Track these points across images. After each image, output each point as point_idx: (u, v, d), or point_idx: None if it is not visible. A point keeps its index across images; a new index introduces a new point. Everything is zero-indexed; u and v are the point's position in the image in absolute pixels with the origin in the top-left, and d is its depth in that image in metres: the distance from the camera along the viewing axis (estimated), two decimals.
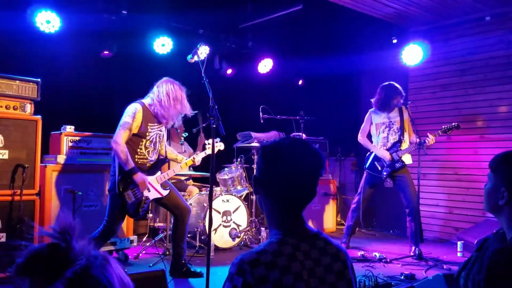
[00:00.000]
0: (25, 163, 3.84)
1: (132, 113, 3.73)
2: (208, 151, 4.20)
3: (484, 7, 5.74)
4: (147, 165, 3.91)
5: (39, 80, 4.05)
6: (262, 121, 5.90)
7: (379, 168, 5.19)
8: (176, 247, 4.06)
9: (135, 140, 3.79)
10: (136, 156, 3.82)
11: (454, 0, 5.60)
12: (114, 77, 5.99)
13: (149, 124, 3.83)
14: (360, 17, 6.11)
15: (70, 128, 4.54)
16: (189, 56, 3.59)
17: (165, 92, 3.81)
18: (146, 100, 3.88)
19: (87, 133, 4.65)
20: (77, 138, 4.56)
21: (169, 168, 4.34)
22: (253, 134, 6.10)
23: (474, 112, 6.11)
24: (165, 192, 3.95)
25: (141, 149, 3.84)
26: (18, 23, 4.85)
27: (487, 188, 1.68)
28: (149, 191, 3.85)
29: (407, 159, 5.20)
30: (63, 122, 4.56)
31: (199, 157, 4.19)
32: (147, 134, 3.83)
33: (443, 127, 5.11)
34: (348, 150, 7.53)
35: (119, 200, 3.72)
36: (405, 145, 5.20)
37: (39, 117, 4.02)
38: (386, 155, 5.13)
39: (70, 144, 4.51)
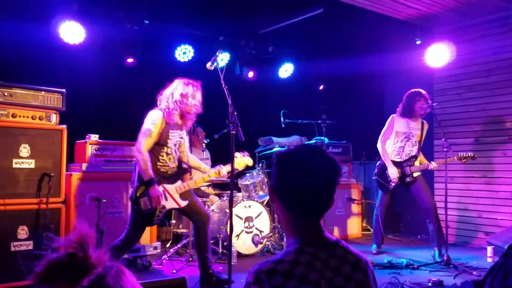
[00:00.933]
0: (51, 172, 3.92)
1: (153, 119, 3.73)
2: (236, 165, 4.00)
3: (509, 5, 5.58)
4: (169, 172, 3.89)
5: (64, 90, 4.14)
6: (283, 126, 5.87)
7: (388, 178, 5.14)
8: (201, 257, 3.93)
9: (157, 147, 3.78)
10: (158, 163, 3.81)
11: None
12: (137, 86, 6.08)
13: (170, 131, 3.82)
14: (381, 19, 6.03)
15: (94, 137, 4.62)
16: (208, 64, 3.60)
17: (176, 91, 3.80)
18: (162, 105, 3.85)
19: (111, 141, 4.73)
20: (101, 146, 4.64)
21: (191, 175, 4.33)
22: (275, 139, 6.09)
23: (502, 113, 5.94)
24: (183, 203, 3.89)
25: (162, 156, 3.82)
26: (43, 35, 4.98)
27: None
28: (166, 200, 3.81)
29: (418, 174, 5.18)
30: (87, 131, 4.65)
31: (224, 170, 4.02)
32: (168, 141, 3.82)
33: (460, 154, 5.07)
34: (373, 153, 7.37)
35: (135, 206, 3.72)
36: (418, 162, 5.19)
37: (64, 126, 4.10)
38: (394, 175, 5.09)
39: (95, 152, 4.59)
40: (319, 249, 1.35)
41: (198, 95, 3.89)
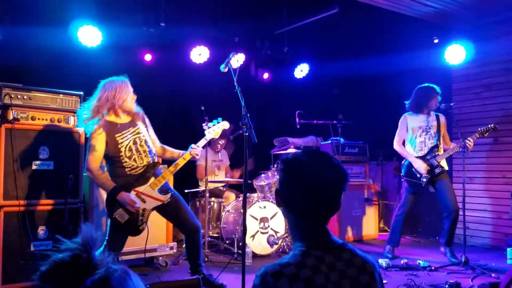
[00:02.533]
0: (70, 173, 4.01)
1: (92, 134, 3.47)
2: (208, 136, 3.82)
3: None
4: (138, 173, 3.57)
5: (81, 93, 4.22)
6: (298, 126, 5.87)
7: (418, 175, 5.04)
8: (192, 264, 3.80)
9: (114, 159, 3.52)
10: (126, 169, 3.53)
11: None
12: (153, 87, 6.15)
13: (116, 135, 3.53)
14: (398, 17, 5.97)
15: None
16: (222, 66, 3.62)
17: (108, 91, 3.57)
18: (97, 114, 3.53)
19: None
20: None
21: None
22: (290, 140, 6.08)
23: None
24: (165, 198, 3.59)
25: (125, 162, 3.53)
26: (61, 39, 5.09)
27: None
28: (144, 202, 3.53)
29: (445, 164, 5.04)
30: None
31: (199, 148, 3.74)
32: (119, 146, 3.53)
33: (480, 129, 4.88)
34: (390, 153, 7.30)
35: (113, 222, 3.48)
36: (441, 150, 5.06)
37: (82, 128, 4.18)
38: (423, 168, 4.98)
39: None
40: (325, 253, 1.36)
41: (127, 88, 3.69)
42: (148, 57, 6.22)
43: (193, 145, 3.76)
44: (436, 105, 5.05)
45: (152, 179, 3.59)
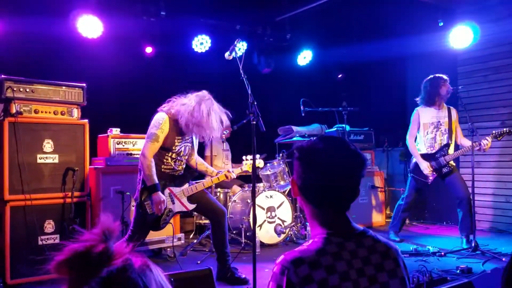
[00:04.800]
0: (75, 166, 3.98)
1: (158, 123, 3.57)
2: (244, 167, 4.04)
3: None
4: (176, 174, 3.78)
5: (84, 85, 4.17)
6: (303, 114, 5.80)
7: (425, 173, 5.00)
8: (219, 252, 3.87)
9: (162, 152, 3.64)
10: (163, 166, 3.69)
11: None
12: (155, 78, 6.10)
13: (177, 137, 3.66)
14: (401, 1, 5.87)
15: (116, 131, 4.65)
16: (226, 53, 3.54)
17: (205, 111, 3.54)
18: (173, 110, 3.64)
19: (132, 135, 4.75)
20: (123, 140, 4.67)
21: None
22: (294, 128, 6.03)
23: None
24: (191, 206, 3.79)
25: (167, 160, 3.70)
26: (61, 30, 5.01)
27: None
28: (173, 203, 3.71)
29: (452, 162, 5.02)
30: (109, 124, 4.68)
31: (234, 174, 3.97)
32: (174, 147, 3.67)
33: (494, 132, 4.80)
34: (396, 140, 7.25)
35: (140, 209, 3.59)
36: (452, 150, 5.01)
37: (86, 121, 4.14)
38: (427, 171, 4.96)
39: (117, 146, 4.62)
40: (346, 240, 1.32)
41: (217, 123, 3.65)
42: (149, 48, 6.14)
43: (229, 169, 4.03)
44: (448, 92, 4.96)
45: (186, 185, 3.79)
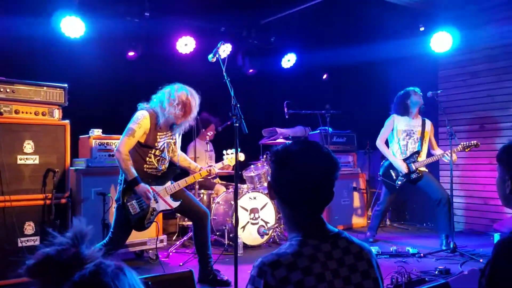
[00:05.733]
0: (56, 168, 3.94)
1: (137, 119, 3.55)
2: (226, 161, 4.04)
3: None
4: (158, 174, 3.74)
5: (66, 85, 4.13)
6: (287, 117, 5.85)
7: (394, 177, 5.14)
8: (201, 254, 3.84)
9: (144, 149, 3.62)
10: (145, 165, 3.65)
11: None
12: (139, 79, 6.05)
13: (159, 133, 3.65)
14: (384, 5, 5.96)
15: (97, 132, 4.61)
16: (210, 56, 3.55)
17: (184, 96, 3.58)
18: (152, 105, 3.65)
19: (114, 136, 4.71)
20: (105, 141, 4.63)
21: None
22: (279, 130, 6.07)
23: (508, 99, 5.89)
24: (175, 204, 3.76)
25: (150, 158, 3.66)
26: (44, 30, 4.96)
27: (496, 180, 1.68)
28: (156, 202, 3.67)
29: (423, 168, 5.16)
30: (90, 125, 4.64)
31: (216, 168, 3.99)
32: (156, 143, 3.64)
33: (462, 143, 4.99)
34: None
35: (123, 211, 3.54)
36: (422, 157, 5.15)
37: (67, 121, 4.11)
38: (403, 168, 5.09)
39: (98, 147, 4.58)
40: (322, 241, 1.36)
41: (196, 108, 3.69)
42: (132, 48, 6.10)
43: (213, 165, 4.04)
44: (418, 100, 5.10)
45: (169, 183, 3.75)
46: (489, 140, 5.99)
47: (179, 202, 3.77)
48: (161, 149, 3.70)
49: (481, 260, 4.42)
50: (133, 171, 3.49)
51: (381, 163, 5.38)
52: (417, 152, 5.15)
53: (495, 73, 5.99)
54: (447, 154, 4.94)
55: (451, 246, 4.75)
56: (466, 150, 5.01)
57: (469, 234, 5.98)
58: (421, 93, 5.19)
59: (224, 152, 4.15)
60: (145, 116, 3.57)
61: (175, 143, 3.85)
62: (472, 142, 4.98)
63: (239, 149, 4.02)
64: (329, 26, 6.96)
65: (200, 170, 3.96)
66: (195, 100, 3.65)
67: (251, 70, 7.05)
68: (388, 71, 7.58)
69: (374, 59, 6.88)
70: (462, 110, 6.28)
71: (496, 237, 5.06)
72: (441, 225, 5.05)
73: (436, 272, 3.99)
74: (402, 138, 5.20)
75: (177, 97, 3.57)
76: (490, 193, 6.02)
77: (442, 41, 6.00)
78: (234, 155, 3.88)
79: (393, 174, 5.17)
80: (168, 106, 3.55)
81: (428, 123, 5.27)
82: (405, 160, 5.15)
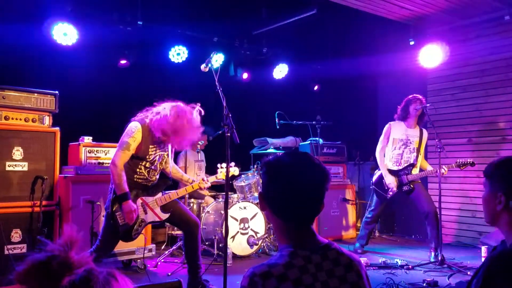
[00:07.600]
0: (44, 175, 3.90)
1: (131, 132, 3.50)
2: (220, 175, 4.01)
3: (503, 5, 5.61)
4: (148, 184, 3.70)
5: (56, 92, 4.12)
6: (278, 127, 5.88)
7: (386, 187, 5.16)
8: (190, 264, 3.79)
9: (135, 161, 3.57)
10: (135, 176, 3.61)
11: (472, 0, 5.49)
12: (130, 87, 6.06)
13: (150, 146, 3.59)
14: (375, 19, 6.05)
15: (88, 139, 4.58)
16: (202, 66, 3.56)
17: (184, 118, 3.52)
18: (147, 119, 3.57)
19: (104, 144, 4.69)
20: (95, 148, 4.60)
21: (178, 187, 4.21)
22: (270, 140, 6.09)
23: (496, 113, 5.98)
24: (164, 216, 3.72)
25: (140, 169, 3.62)
26: (36, 37, 4.94)
27: (484, 196, 1.65)
28: (146, 213, 3.64)
29: (416, 179, 5.18)
30: (81, 133, 4.62)
31: (209, 183, 3.95)
32: (148, 156, 3.60)
33: (458, 161, 5.02)
34: (367, 154, 7.41)
35: (111, 220, 3.50)
36: (416, 170, 5.16)
37: (57, 129, 4.09)
38: (393, 185, 5.11)
39: (88, 154, 4.55)
40: (312, 253, 1.36)
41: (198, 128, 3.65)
42: (124, 56, 6.10)
43: (205, 178, 3.96)
44: (416, 110, 5.12)
45: (160, 194, 3.73)
46: (477, 153, 6.07)
47: (169, 214, 3.74)
48: (152, 161, 3.65)
49: (468, 273, 4.45)
50: (125, 186, 3.46)
51: (375, 171, 5.39)
52: (412, 165, 5.14)
53: (484, 87, 6.09)
54: (442, 169, 4.93)
55: (439, 258, 4.78)
56: (462, 168, 5.01)
57: (457, 247, 6.02)
58: (426, 104, 5.15)
59: (219, 165, 4.11)
60: (138, 128, 3.52)
61: (168, 155, 3.81)
62: (468, 160, 4.97)
63: (233, 163, 4.05)
64: (321, 38, 7.05)
65: (192, 182, 3.93)
66: (196, 122, 3.61)
67: (245, 76, 7.07)
68: (377, 84, 7.68)
69: (364, 72, 6.98)
70: (450, 124, 6.36)
71: (484, 250, 5.10)
72: (429, 238, 5.08)
73: (424, 284, 4.01)
74: (398, 147, 5.20)
75: (179, 117, 3.52)
76: (478, 206, 6.08)
77: (431, 55, 6.09)
78: (231, 169, 3.90)
79: (385, 184, 5.18)
80: (167, 122, 3.50)
81: (425, 134, 5.26)
82: (399, 171, 5.16)
